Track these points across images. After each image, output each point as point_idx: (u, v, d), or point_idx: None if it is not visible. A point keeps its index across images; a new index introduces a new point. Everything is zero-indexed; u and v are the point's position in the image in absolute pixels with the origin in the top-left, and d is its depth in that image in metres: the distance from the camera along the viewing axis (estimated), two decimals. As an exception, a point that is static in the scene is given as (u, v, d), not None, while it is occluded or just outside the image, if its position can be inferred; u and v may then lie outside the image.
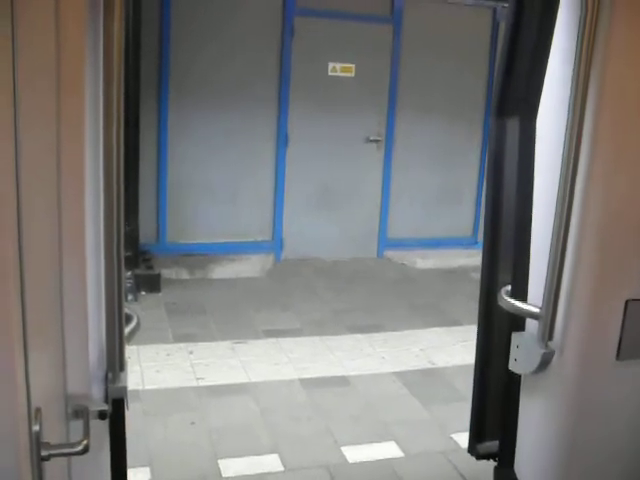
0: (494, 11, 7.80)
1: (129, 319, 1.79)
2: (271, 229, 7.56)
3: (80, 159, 1.47)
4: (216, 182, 7.25)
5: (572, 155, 1.89)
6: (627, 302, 2.02)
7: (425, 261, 7.79)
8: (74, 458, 1.53)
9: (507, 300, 2.15)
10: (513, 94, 2.24)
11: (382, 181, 7.85)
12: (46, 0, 1.31)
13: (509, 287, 2.24)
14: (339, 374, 4.91)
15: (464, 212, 8.26)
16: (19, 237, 1.25)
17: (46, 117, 1.37)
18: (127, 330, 1.74)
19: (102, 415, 1.64)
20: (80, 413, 1.55)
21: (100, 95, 1.50)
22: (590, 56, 1.82)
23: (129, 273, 6.17)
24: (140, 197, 6.52)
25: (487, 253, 2.43)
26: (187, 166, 7.13)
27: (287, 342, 5.42)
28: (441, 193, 8.09)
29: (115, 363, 1.67)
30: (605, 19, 1.81)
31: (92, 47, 1.48)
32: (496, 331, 2.46)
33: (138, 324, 1.81)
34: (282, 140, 7.37)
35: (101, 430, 1.72)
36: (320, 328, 5.75)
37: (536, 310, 2.04)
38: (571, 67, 1.85)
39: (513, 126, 2.27)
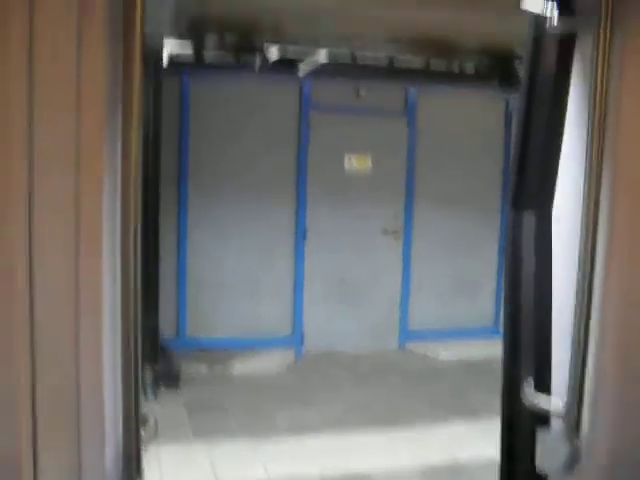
0: (506, 102, 7.94)
1: (146, 421, 1.77)
2: (291, 323, 7.53)
3: (98, 262, 1.48)
4: (236, 275, 7.29)
5: (589, 246, 1.88)
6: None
7: (447, 352, 7.68)
8: None
9: (530, 396, 2.11)
10: (528, 188, 2.25)
11: (402, 272, 7.85)
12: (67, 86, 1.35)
13: (531, 379, 2.20)
14: (362, 471, 4.78)
15: (484, 301, 8.19)
16: (32, 342, 1.25)
17: (64, 213, 1.39)
18: (144, 433, 1.71)
19: (118, 522, 1.60)
20: None
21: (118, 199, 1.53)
22: (602, 146, 1.84)
23: (148, 369, 6.12)
24: (160, 291, 6.54)
25: (507, 347, 2.40)
26: (207, 259, 7.18)
27: (308, 439, 5.30)
28: (461, 283, 8.06)
29: (132, 469, 1.64)
30: (613, 111, 1.83)
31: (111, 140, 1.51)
32: (520, 426, 2.40)
33: (155, 426, 1.79)
34: (300, 233, 7.43)
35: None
36: (342, 424, 5.63)
37: (560, 406, 1.99)
38: (584, 157, 1.87)
39: (529, 218, 2.28)
